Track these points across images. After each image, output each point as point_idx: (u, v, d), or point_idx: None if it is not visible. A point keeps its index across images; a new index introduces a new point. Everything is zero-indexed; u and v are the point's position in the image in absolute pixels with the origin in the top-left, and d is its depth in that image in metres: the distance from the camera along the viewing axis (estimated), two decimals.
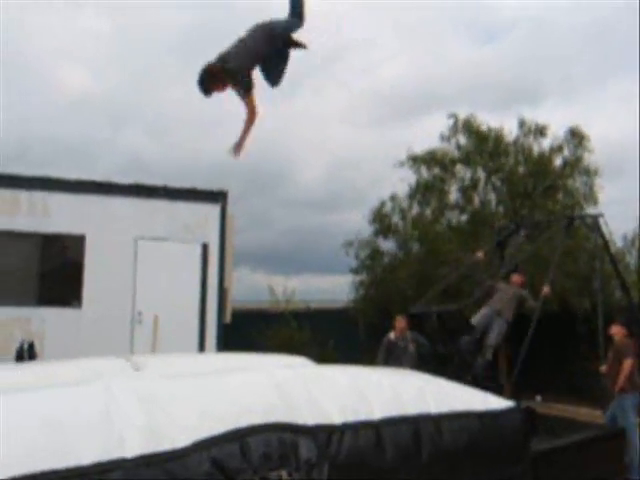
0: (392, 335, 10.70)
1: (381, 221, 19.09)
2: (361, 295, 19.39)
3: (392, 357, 10.44)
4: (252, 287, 34.74)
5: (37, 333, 12.46)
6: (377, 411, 3.88)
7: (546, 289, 10.90)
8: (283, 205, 38.56)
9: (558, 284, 14.16)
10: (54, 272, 13.12)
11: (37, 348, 12.07)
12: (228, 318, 14.25)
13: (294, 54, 5.26)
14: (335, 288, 37.08)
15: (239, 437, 3.32)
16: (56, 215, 12.90)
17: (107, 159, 35.32)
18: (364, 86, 36.69)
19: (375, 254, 19.31)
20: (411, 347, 10.57)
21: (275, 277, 43.83)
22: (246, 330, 18.06)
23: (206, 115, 33.75)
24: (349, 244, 19.44)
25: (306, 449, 3.53)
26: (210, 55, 4.88)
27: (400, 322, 10.69)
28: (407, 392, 4.14)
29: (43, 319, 12.62)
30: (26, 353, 11.91)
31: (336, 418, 3.70)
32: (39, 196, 12.89)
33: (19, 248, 13.02)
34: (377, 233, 19.30)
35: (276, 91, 5.25)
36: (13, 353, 11.86)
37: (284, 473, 3.41)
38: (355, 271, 19.69)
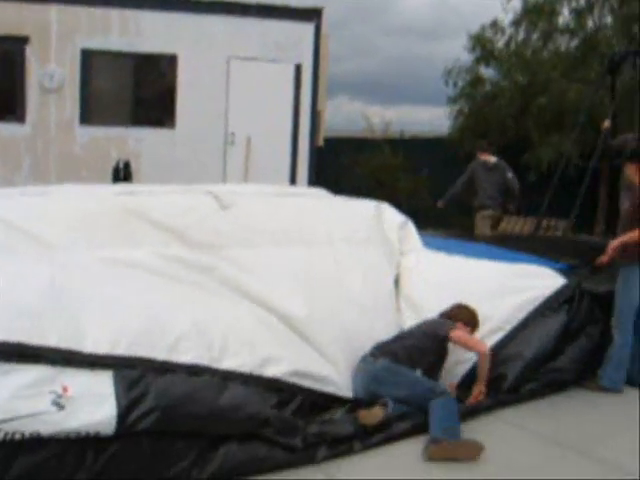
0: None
1: (482, 47, 18.05)
2: (459, 124, 18.67)
3: None
4: (349, 116, 34.24)
5: (133, 153, 12.58)
6: None
7: (606, 123, 10.10)
8: (386, 32, 37.26)
9: None
10: (148, 92, 13.05)
11: (133, 167, 12.27)
12: (320, 142, 14.06)
13: None
14: (435, 120, 36.02)
15: None
16: (149, 34, 12.64)
17: None
18: None
19: (475, 82, 18.40)
20: None
21: (373, 107, 43.18)
22: (339, 157, 17.93)
23: None
24: (448, 72, 18.51)
25: None
26: None
27: None
28: None
29: (138, 139, 12.70)
30: (122, 172, 12.16)
31: None
32: (131, 14, 12.61)
33: (113, 68, 12.96)
34: (478, 60, 18.30)
35: None
36: (109, 171, 12.12)
37: None
38: (453, 100, 18.87)
